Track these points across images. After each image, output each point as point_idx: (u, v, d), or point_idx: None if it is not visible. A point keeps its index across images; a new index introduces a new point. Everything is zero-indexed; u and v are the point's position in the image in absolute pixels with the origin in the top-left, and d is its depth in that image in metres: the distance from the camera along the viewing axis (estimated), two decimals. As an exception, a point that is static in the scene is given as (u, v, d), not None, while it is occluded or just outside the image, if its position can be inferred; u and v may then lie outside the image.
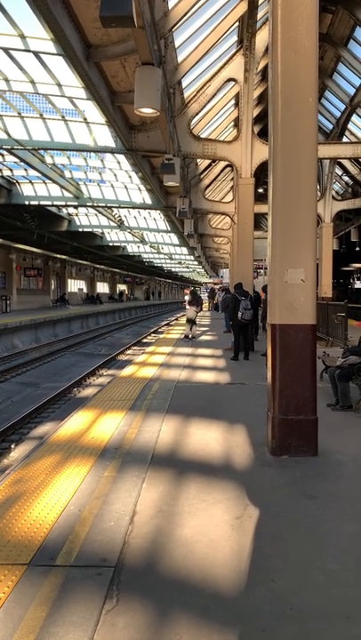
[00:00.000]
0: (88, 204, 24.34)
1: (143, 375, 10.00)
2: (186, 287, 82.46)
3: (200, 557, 3.22)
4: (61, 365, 19.23)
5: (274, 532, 3.57)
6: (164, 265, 64.45)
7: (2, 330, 21.72)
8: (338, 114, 20.78)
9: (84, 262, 49.52)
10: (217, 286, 48.09)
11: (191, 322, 17.18)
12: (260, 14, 13.06)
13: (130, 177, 21.27)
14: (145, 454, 5.17)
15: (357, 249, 33.43)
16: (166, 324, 37.52)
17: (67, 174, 21.67)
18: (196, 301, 17.50)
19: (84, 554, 3.25)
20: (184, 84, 13.76)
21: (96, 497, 4.10)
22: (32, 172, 20.94)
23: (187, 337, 16.99)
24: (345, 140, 20.72)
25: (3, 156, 18.99)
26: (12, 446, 9.04)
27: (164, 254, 48.92)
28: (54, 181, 21.19)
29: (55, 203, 24.84)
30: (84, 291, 56.00)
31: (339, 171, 25.46)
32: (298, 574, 3.06)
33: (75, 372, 17.33)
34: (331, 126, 21.76)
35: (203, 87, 13.79)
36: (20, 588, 2.88)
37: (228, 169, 23.51)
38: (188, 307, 17.56)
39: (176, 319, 40.06)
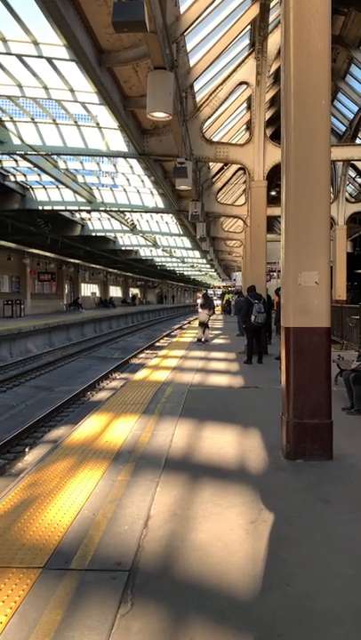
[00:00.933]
0: (101, 208, 24.45)
1: (156, 379, 10.00)
2: (198, 290, 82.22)
3: (214, 562, 3.21)
4: (75, 369, 19.31)
5: (289, 537, 3.55)
6: (176, 268, 64.52)
7: (16, 334, 21.88)
8: (351, 116, 20.70)
9: (97, 266, 49.76)
10: (226, 289, 47.99)
11: (204, 325, 17.17)
12: (271, 17, 13.06)
13: (142, 181, 21.35)
14: (159, 458, 5.16)
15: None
16: (179, 328, 37.51)
17: (80, 179, 21.80)
18: (209, 304, 17.49)
19: (98, 557, 3.25)
20: (196, 87, 13.80)
21: (110, 501, 4.10)
22: (45, 178, 21.08)
23: (200, 340, 16.98)
24: (358, 141, 20.63)
25: (16, 161, 19.16)
26: (27, 450, 9.09)
27: (177, 258, 48.97)
28: (67, 186, 21.33)
29: (68, 207, 24.98)
30: (97, 295, 56.26)
31: (352, 173, 25.33)
32: (314, 579, 3.03)
33: (88, 375, 17.39)
34: (344, 128, 21.68)
35: (215, 91, 13.80)
36: (34, 592, 2.88)
37: (241, 172, 23.48)
38: (200, 310, 17.56)
39: (189, 322, 40.07)
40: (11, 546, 3.40)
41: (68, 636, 2.52)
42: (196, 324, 24.10)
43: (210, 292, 53.69)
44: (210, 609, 2.75)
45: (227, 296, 40.87)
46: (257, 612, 2.73)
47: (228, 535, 3.55)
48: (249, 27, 13.12)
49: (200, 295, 18.32)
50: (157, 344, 26.68)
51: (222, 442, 5.75)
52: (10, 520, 3.77)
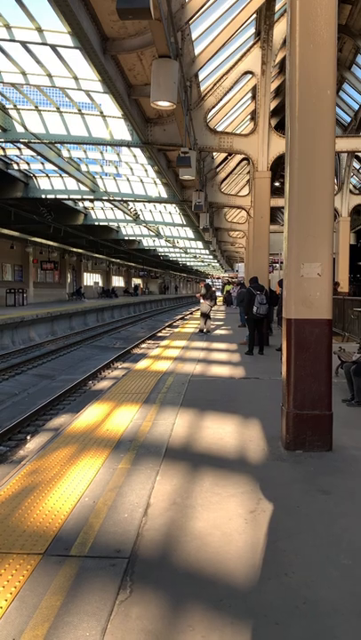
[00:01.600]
0: (104, 197, 24.36)
1: (158, 369, 10.02)
2: (202, 281, 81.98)
3: (213, 550, 3.23)
4: (77, 358, 19.35)
5: (288, 527, 3.57)
6: (179, 259, 64.39)
7: (19, 322, 21.91)
8: (356, 107, 20.54)
9: (100, 256, 49.70)
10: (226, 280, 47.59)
11: (205, 316, 17.17)
12: (277, 6, 12.94)
13: (146, 170, 21.25)
14: (159, 447, 5.19)
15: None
16: (181, 318, 37.53)
17: (83, 168, 21.72)
18: (211, 295, 17.45)
19: (98, 545, 3.28)
20: (201, 76, 13.69)
21: (110, 489, 4.13)
22: (49, 166, 21.01)
23: (201, 331, 16.98)
24: (363, 133, 20.45)
25: (20, 149, 19.09)
26: (28, 438, 9.13)
27: (180, 248, 48.87)
28: (71, 175, 21.25)
29: (71, 196, 24.89)
30: (100, 284, 56.24)
31: (357, 164, 25.18)
32: (312, 569, 3.05)
33: (90, 364, 17.43)
34: (349, 119, 21.53)
35: (220, 80, 13.70)
36: (35, 578, 2.91)
37: (245, 162, 23.40)
38: (202, 300, 17.55)
39: (191, 313, 40.08)
40: (12, 532, 3.43)
41: (67, 622, 2.54)
42: (198, 314, 24.10)
43: (208, 281, 52.70)
44: (208, 597, 2.78)
45: (227, 287, 40.67)
46: (255, 601, 2.75)
47: (227, 524, 3.58)
48: (255, 15, 12.98)
49: (202, 285, 18.31)
50: (159, 334, 26.71)
51: (222, 432, 5.78)
52: (11, 507, 3.80)
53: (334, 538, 3.43)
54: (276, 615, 2.63)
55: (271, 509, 3.82)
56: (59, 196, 24.41)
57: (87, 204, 30.41)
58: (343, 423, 5.79)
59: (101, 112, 14.29)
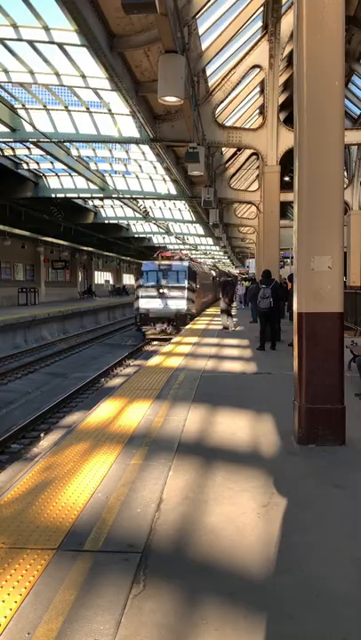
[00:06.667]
0: (113, 195, 24.44)
1: (169, 365, 10.02)
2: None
3: (226, 544, 3.23)
4: (89, 356, 19.43)
5: (301, 521, 3.55)
6: (189, 255, 64.28)
7: (31, 321, 22.04)
8: (366, 99, 20.34)
9: (111, 254, 49.81)
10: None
11: (225, 312, 16.58)
12: (284, -2, 12.83)
13: (154, 167, 21.26)
14: (171, 443, 5.19)
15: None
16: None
17: (92, 166, 21.77)
18: (227, 293, 16.83)
19: (111, 539, 3.28)
20: (208, 71, 13.64)
21: (123, 484, 4.14)
22: (58, 165, 21.10)
23: (226, 328, 16.48)
24: (373, 125, 20.27)
25: (29, 149, 19.18)
26: (42, 435, 9.20)
27: (190, 245, 48.81)
28: (80, 174, 21.32)
29: (81, 195, 24.99)
30: (111, 282, 56.37)
31: (367, 157, 24.93)
32: (325, 562, 3.04)
33: (102, 362, 17.50)
34: (359, 112, 21.31)
35: (227, 74, 13.65)
36: (49, 572, 2.93)
37: (254, 157, 23.28)
38: (221, 297, 17.36)
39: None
40: (26, 527, 3.45)
41: (81, 616, 2.55)
42: (208, 311, 24.06)
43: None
44: (222, 590, 2.77)
45: (245, 284, 40.03)
46: (269, 594, 2.74)
47: (239, 519, 3.57)
48: (262, 8, 12.90)
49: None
50: (171, 331, 26.69)
51: (235, 427, 5.77)
52: (25, 502, 3.83)
53: (348, 531, 3.41)
54: (290, 608, 2.62)
55: (284, 503, 3.81)
56: (68, 195, 24.52)
57: (97, 202, 30.52)
58: (356, 417, 5.75)
59: (109, 110, 14.31)
